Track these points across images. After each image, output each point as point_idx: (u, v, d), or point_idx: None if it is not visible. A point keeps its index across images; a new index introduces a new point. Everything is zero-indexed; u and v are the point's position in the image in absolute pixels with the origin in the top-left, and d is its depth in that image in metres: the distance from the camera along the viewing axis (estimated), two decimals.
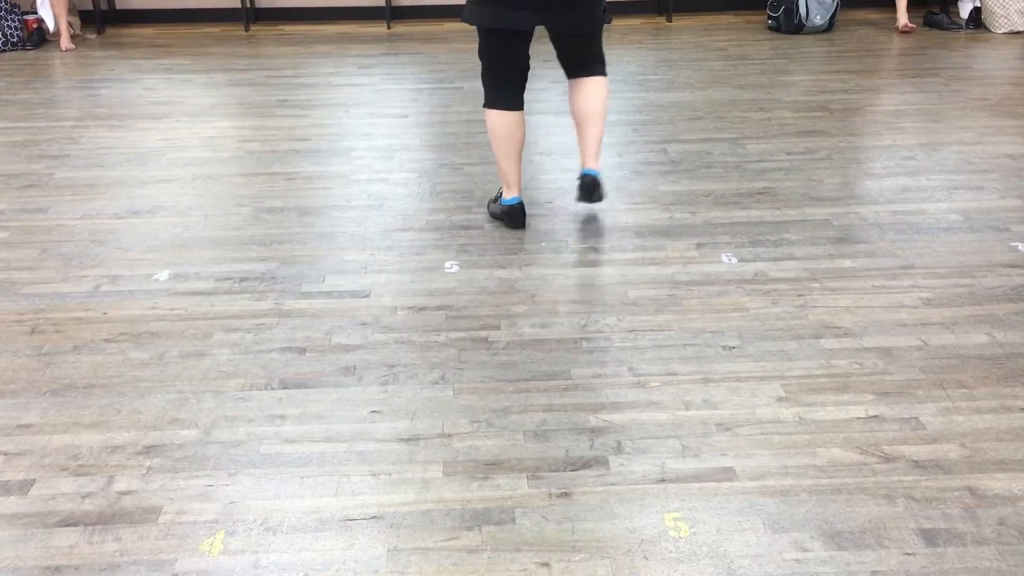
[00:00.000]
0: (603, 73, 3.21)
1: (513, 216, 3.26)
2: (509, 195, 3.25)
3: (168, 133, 4.37)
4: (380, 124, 4.46)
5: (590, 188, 3.20)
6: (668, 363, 2.43)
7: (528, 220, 3.31)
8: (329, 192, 3.62)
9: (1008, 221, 3.24)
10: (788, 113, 4.49)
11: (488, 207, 3.41)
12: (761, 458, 2.06)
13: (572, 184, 3.63)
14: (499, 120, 3.15)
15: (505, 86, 3.13)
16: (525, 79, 3.16)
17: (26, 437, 2.18)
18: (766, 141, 4.10)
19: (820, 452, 2.08)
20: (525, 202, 3.44)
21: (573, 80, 3.21)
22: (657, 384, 2.34)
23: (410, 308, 2.73)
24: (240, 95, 5.01)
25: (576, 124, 3.24)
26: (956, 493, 1.95)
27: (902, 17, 6.16)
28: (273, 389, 2.35)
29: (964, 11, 6.29)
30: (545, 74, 5.18)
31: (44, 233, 3.29)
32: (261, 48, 6.14)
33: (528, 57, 3.14)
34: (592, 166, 3.22)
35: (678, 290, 2.80)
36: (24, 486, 2.01)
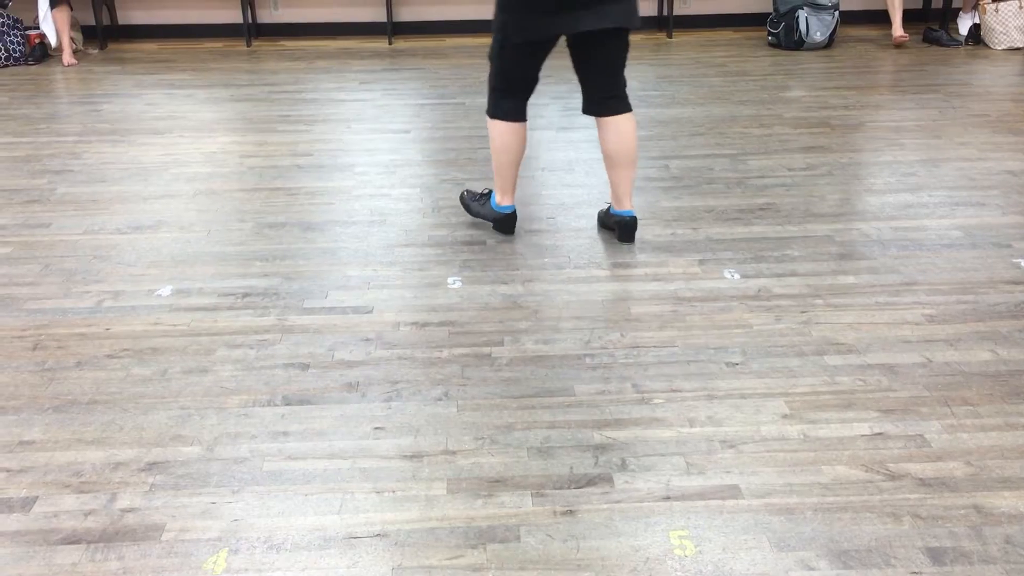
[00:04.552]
0: (630, 107, 3.15)
1: (508, 224, 3.31)
2: (506, 202, 3.29)
3: (170, 148, 4.38)
4: (382, 139, 4.47)
5: (633, 228, 3.25)
6: (672, 379, 2.42)
7: (530, 236, 3.31)
8: (331, 207, 3.62)
9: (1010, 237, 3.25)
10: (789, 129, 4.50)
11: (467, 202, 3.41)
12: (766, 475, 2.05)
13: (574, 199, 3.64)
14: (511, 132, 3.15)
15: (521, 98, 3.13)
16: (534, 90, 3.17)
17: (28, 454, 2.17)
18: (767, 157, 4.11)
19: (825, 470, 2.07)
20: (527, 218, 3.46)
21: (604, 119, 3.13)
22: (661, 401, 2.33)
23: (413, 324, 2.73)
24: (242, 110, 5.02)
25: (609, 166, 3.19)
26: (962, 511, 1.94)
27: (897, 29, 6.20)
28: (276, 405, 2.34)
29: (963, 27, 6.33)
30: (546, 90, 5.20)
31: (46, 248, 3.29)
32: (263, 63, 6.16)
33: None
34: (629, 207, 3.24)
35: (681, 306, 2.80)
36: (26, 503, 2.00)
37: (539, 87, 3.18)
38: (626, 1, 2.95)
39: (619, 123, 3.13)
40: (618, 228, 3.26)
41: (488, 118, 3.19)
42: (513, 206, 3.31)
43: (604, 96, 3.12)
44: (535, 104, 4.82)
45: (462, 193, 3.47)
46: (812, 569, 1.79)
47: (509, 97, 3.13)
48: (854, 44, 6.41)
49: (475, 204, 3.39)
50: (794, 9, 6.18)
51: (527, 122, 3.19)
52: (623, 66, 3.12)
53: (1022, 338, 2.60)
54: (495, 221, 3.32)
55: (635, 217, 3.25)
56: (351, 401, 2.35)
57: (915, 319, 2.71)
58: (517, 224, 3.37)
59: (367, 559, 1.84)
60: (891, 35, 6.27)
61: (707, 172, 3.93)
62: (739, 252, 3.16)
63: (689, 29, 6.98)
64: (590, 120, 4.67)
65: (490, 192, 3.37)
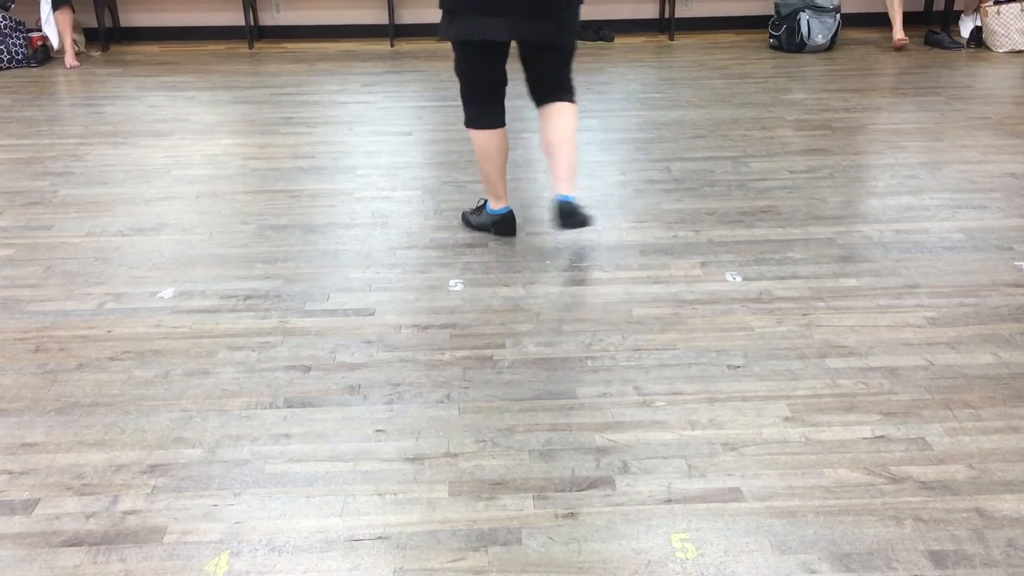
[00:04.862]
0: (573, 100, 3.15)
1: (506, 225, 3.30)
2: (499, 205, 3.29)
3: (172, 150, 4.38)
4: (384, 142, 4.47)
5: (568, 214, 3.05)
6: (673, 382, 2.42)
7: (532, 239, 3.31)
8: (333, 210, 3.63)
9: (1012, 240, 3.24)
10: (791, 131, 4.50)
11: (467, 218, 3.41)
12: (768, 478, 2.05)
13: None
14: (487, 139, 3.15)
15: (488, 103, 3.13)
16: (504, 93, 3.16)
17: (31, 456, 2.17)
18: (769, 159, 4.11)
19: (827, 472, 2.07)
20: (529, 220, 3.46)
21: (543, 108, 3.15)
22: (662, 403, 2.33)
23: (415, 326, 2.73)
24: (244, 112, 5.03)
25: (546, 152, 3.17)
26: (964, 514, 1.94)
27: (898, 32, 6.21)
28: (278, 408, 2.34)
29: (965, 30, 6.33)
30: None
31: (48, 250, 3.30)
32: (265, 66, 6.17)
33: (506, 72, 3.13)
34: (566, 191, 3.08)
35: (683, 309, 2.80)
36: (29, 505, 2.01)
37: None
38: (559, 19, 2.94)
39: (554, 109, 3.12)
40: (554, 213, 3.07)
41: (466, 128, 3.20)
42: (508, 207, 3.30)
43: (544, 94, 3.15)
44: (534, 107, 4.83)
45: (462, 212, 3.47)
46: (814, 572, 1.79)
47: (477, 104, 3.13)
48: (856, 46, 6.41)
49: (473, 217, 3.39)
50: (795, 12, 6.19)
51: (505, 127, 3.18)
52: (564, 72, 3.13)
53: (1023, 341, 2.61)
54: (494, 225, 3.32)
55: (570, 201, 3.05)
56: (353, 403, 2.36)
57: (917, 322, 2.71)
58: (519, 226, 3.37)
59: (369, 562, 1.84)
60: (892, 38, 6.27)
61: (709, 174, 3.93)
62: (740, 255, 3.16)
63: (690, 31, 6.98)
64: (592, 123, 4.67)
65: (485, 201, 3.36)
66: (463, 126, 3.22)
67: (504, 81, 3.15)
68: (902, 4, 6.26)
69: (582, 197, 3.69)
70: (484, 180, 3.26)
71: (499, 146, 3.17)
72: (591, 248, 3.24)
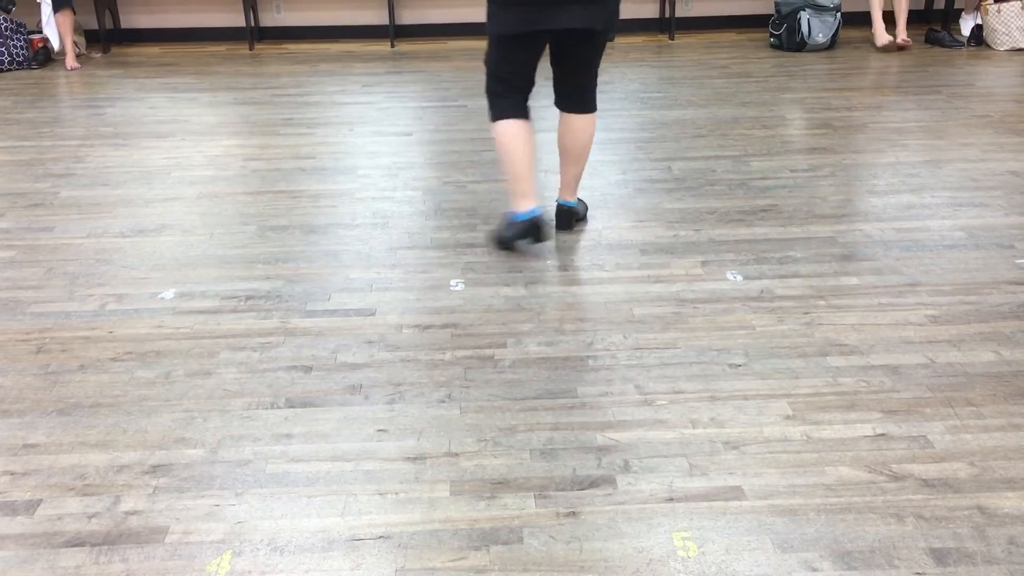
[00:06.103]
0: (593, 108, 3.20)
1: (537, 228, 3.10)
2: (529, 206, 3.08)
3: (173, 152, 4.39)
4: (384, 142, 4.47)
5: (568, 217, 3.38)
6: (675, 381, 2.42)
7: None
8: (334, 210, 3.63)
9: (1013, 238, 3.24)
10: (791, 130, 4.51)
11: (499, 238, 3.20)
12: (769, 477, 2.05)
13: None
14: (516, 128, 3.05)
15: (517, 95, 3.09)
16: (530, 93, 3.15)
17: (32, 457, 2.17)
18: (770, 158, 4.11)
19: (828, 471, 2.07)
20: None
21: (564, 114, 3.20)
22: (664, 402, 2.33)
23: (416, 326, 2.73)
24: (245, 113, 5.03)
25: (560, 157, 3.28)
26: (965, 512, 1.94)
27: (901, 31, 6.19)
28: (279, 408, 2.35)
29: (966, 28, 6.33)
30: (549, 91, 5.20)
31: (50, 252, 3.30)
32: (265, 67, 6.17)
33: (535, 73, 3.12)
34: (571, 198, 3.37)
35: (684, 308, 2.80)
36: (31, 506, 2.01)
37: (540, 89, 3.18)
38: (601, 6, 2.92)
39: (575, 121, 3.19)
40: (556, 217, 3.38)
41: (492, 124, 3.11)
42: (539, 208, 3.11)
43: (568, 99, 3.17)
44: (537, 107, 4.82)
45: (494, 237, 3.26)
46: (815, 570, 1.79)
47: (506, 95, 3.07)
48: (856, 45, 6.41)
49: (504, 232, 3.17)
50: (796, 11, 6.19)
51: (531, 121, 3.14)
52: (594, 69, 3.14)
53: None
54: (528, 230, 3.10)
55: (571, 207, 3.36)
56: (354, 403, 2.36)
57: (918, 320, 2.71)
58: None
59: (370, 561, 1.84)
60: (894, 38, 6.22)
61: (709, 174, 3.94)
62: (741, 253, 3.16)
63: (691, 31, 6.98)
64: None
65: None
66: (489, 122, 3.14)
67: (534, 79, 3.12)
68: (881, 4, 6.23)
69: (584, 197, 3.69)
70: (514, 179, 3.06)
71: (528, 137, 3.07)
72: (592, 247, 3.24)
